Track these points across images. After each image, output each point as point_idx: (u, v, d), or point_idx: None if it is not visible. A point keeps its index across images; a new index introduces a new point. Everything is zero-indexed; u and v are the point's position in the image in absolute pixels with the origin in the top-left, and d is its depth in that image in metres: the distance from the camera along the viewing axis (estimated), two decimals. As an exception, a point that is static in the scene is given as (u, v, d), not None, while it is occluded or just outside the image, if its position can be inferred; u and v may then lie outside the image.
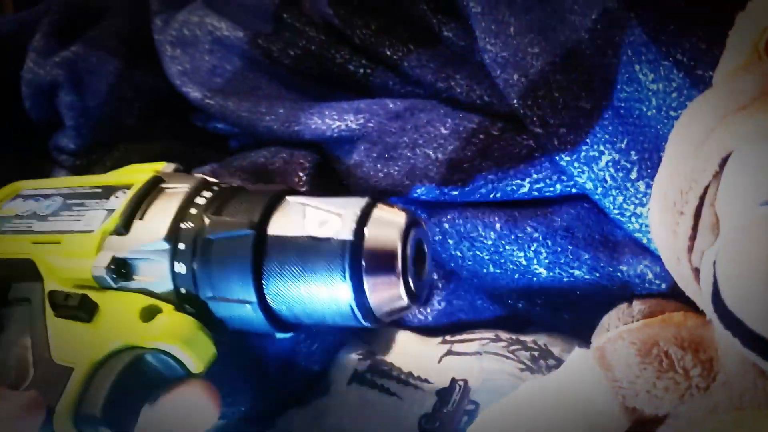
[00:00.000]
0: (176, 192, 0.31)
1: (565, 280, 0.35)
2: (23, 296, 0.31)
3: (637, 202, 0.33)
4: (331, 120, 0.42)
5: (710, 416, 0.25)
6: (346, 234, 0.26)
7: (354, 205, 0.27)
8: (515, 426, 0.27)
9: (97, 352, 0.28)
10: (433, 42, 0.43)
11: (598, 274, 0.34)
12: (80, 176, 0.36)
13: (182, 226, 0.30)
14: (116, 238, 0.30)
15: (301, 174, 0.41)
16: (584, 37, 0.35)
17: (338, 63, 0.44)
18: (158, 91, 0.49)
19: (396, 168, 0.40)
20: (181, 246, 0.29)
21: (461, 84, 0.40)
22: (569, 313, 0.36)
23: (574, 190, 0.36)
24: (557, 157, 0.35)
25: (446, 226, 0.38)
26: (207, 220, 0.29)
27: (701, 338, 0.26)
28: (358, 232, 0.26)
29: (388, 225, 0.26)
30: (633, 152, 0.33)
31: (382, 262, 0.26)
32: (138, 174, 0.33)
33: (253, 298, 0.28)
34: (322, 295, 0.27)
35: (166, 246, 0.29)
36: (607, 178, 0.33)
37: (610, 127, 0.34)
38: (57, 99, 0.48)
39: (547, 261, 0.35)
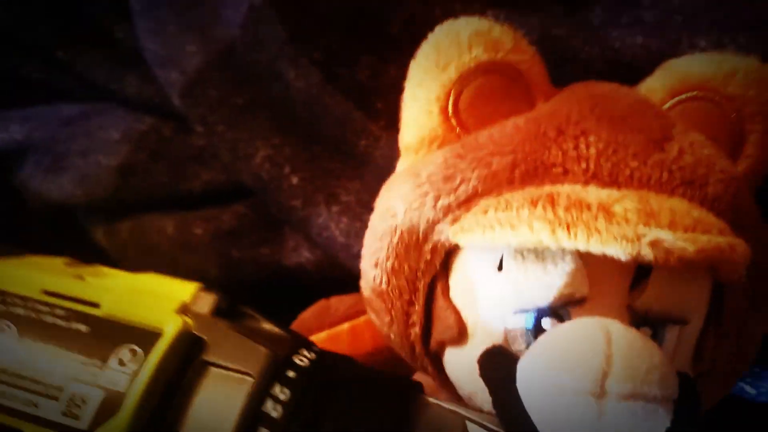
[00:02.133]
0: (233, 380, 0.20)
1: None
2: None
3: (291, 195, 0.33)
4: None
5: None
6: None
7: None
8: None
9: None
10: (106, 43, 0.39)
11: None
12: (52, 277, 0.23)
13: None
14: None
15: None
16: (237, 33, 0.34)
17: (10, 68, 0.40)
18: None
19: (67, 178, 0.38)
20: None
21: (133, 85, 0.38)
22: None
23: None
24: (221, 155, 0.35)
25: (125, 236, 0.37)
26: None
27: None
28: None
29: None
30: (287, 148, 0.33)
31: None
32: (159, 306, 0.22)
33: None
34: None
35: None
36: (263, 174, 0.33)
37: (265, 124, 0.33)
38: None
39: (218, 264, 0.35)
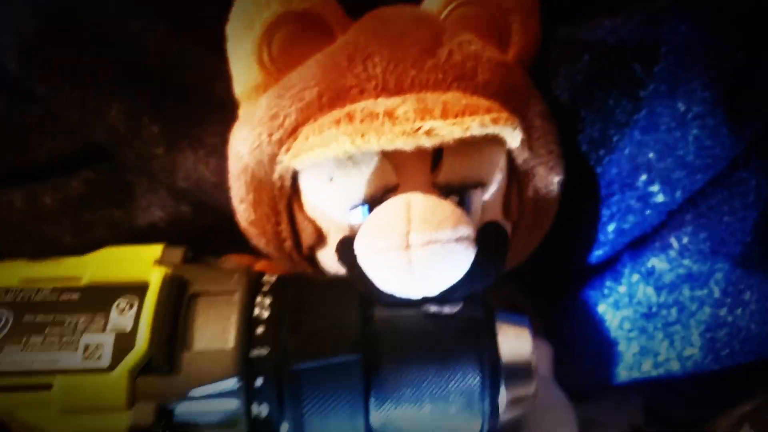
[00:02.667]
0: (222, 301, 0.24)
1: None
2: None
3: (153, 144, 0.33)
4: None
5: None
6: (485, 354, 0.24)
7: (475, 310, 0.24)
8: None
9: None
10: None
11: None
12: (20, 265, 0.26)
13: (254, 353, 0.23)
14: (156, 380, 0.22)
15: None
16: None
17: None
18: None
19: None
20: (258, 382, 0.22)
21: None
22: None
23: None
24: (69, 115, 0.34)
25: None
26: (290, 342, 0.23)
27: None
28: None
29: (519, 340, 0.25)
30: (142, 99, 0.33)
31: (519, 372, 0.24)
32: (133, 267, 0.24)
33: (362, 428, 0.23)
34: (452, 410, 0.24)
35: (237, 384, 0.22)
36: (120, 127, 0.33)
37: (116, 78, 0.34)
38: None
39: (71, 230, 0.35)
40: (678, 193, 0.28)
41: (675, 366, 0.29)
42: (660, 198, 0.28)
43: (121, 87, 0.34)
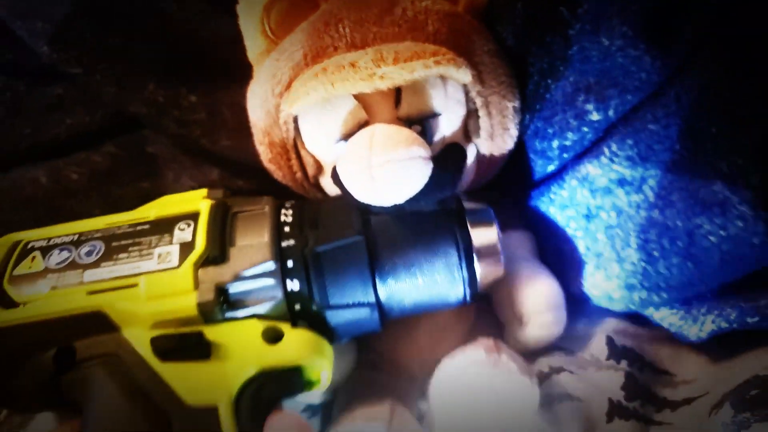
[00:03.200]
0: (256, 214, 0.31)
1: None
2: (99, 353, 0.28)
3: (193, 111, 0.39)
4: None
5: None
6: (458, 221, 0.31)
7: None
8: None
9: (233, 384, 0.27)
10: None
11: None
12: (99, 218, 0.32)
13: (284, 244, 0.30)
14: (213, 269, 0.28)
15: None
16: None
17: None
18: None
19: None
20: (290, 263, 0.29)
21: None
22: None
23: None
24: (104, 92, 0.38)
25: None
26: (314, 231, 0.30)
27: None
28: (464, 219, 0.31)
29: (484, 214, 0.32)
30: (178, 74, 0.39)
31: (488, 248, 0.32)
32: (187, 204, 0.31)
33: (373, 298, 0.30)
34: (436, 280, 0.31)
35: (274, 266, 0.29)
36: (159, 98, 0.38)
37: (150, 56, 0.38)
38: None
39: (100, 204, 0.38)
40: (611, 112, 0.33)
41: (615, 269, 0.35)
42: (595, 116, 0.34)
43: (156, 63, 0.38)
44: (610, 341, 0.38)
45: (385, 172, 0.31)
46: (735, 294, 0.34)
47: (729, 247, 0.32)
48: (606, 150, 0.34)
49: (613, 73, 0.33)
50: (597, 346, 0.38)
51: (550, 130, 0.35)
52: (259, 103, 0.36)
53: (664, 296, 0.34)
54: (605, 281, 0.35)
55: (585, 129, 0.34)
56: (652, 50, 0.32)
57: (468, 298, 0.32)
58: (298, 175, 0.37)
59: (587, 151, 0.35)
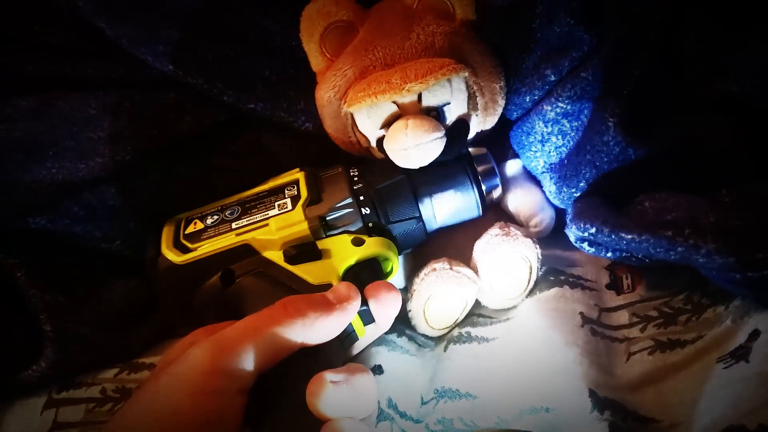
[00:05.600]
0: (334, 174, 0.48)
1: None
2: (250, 269, 0.41)
3: (296, 103, 0.52)
4: None
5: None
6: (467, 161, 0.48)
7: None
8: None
9: (339, 270, 0.42)
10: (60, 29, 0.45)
11: None
12: (233, 196, 0.48)
13: (355, 187, 0.46)
14: (314, 207, 0.44)
15: None
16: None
17: None
18: None
19: (68, 160, 0.44)
20: (361, 197, 0.45)
21: (96, 65, 0.45)
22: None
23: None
24: (222, 94, 0.48)
25: (186, 184, 0.51)
26: (372, 177, 0.47)
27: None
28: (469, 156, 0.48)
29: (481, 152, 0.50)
30: (284, 77, 0.52)
31: (488, 174, 0.49)
32: (289, 177, 0.48)
33: (417, 213, 0.46)
34: (457, 198, 0.48)
35: (351, 199, 0.45)
36: (269, 99, 0.51)
37: (259, 62, 0.51)
38: None
39: None
40: (562, 73, 0.48)
41: (553, 156, 0.51)
42: (552, 78, 0.48)
43: (261, 68, 0.49)
44: (592, 394, 0.41)
45: (416, 151, 0.47)
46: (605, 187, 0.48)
47: (603, 152, 0.47)
48: (554, 94, 0.48)
49: (563, 48, 0.48)
50: (580, 402, 0.40)
51: (523, 89, 0.50)
52: (324, 102, 0.52)
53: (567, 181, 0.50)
54: (549, 184, 0.52)
55: (545, 86, 0.49)
56: (588, 32, 0.46)
57: (481, 211, 0.50)
58: (356, 146, 0.54)
59: (543, 98, 0.50)
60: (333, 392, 0.32)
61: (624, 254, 0.45)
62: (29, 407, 0.46)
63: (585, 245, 0.47)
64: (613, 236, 0.41)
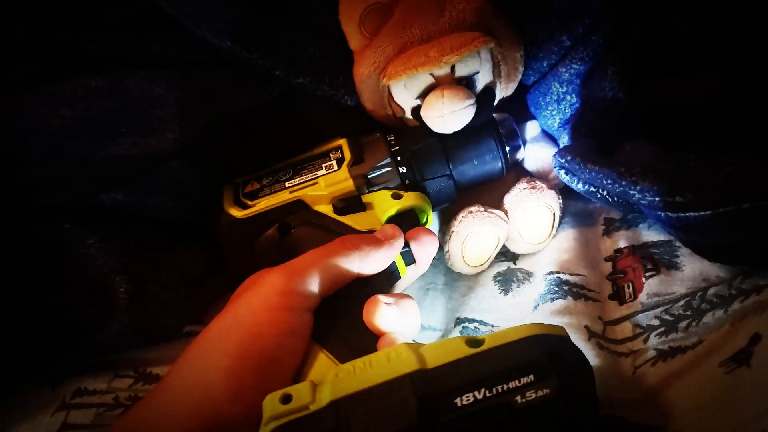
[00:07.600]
0: (373, 139, 0.54)
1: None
2: (304, 220, 0.47)
3: (338, 77, 0.56)
4: (51, 114, 0.43)
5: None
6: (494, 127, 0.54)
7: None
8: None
9: (381, 219, 0.48)
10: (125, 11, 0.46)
11: None
12: (286, 161, 0.54)
13: (393, 149, 0.52)
14: (358, 167, 0.50)
15: None
16: None
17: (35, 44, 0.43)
18: None
19: (140, 136, 0.46)
20: (398, 157, 0.51)
21: (157, 44, 0.47)
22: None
23: None
24: (275, 69, 0.51)
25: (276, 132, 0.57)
26: (407, 140, 0.52)
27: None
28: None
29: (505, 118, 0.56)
30: (330, 55, 0.55)
31: (511, 136, 0.55)
32: (334, 144, 0.54)
33: (449, 171, 0.52)
34: (485, 158, 0.54)
35: (389, 159, 0.51)
36: (316, 75, 0.54)
37: (308, 39, 0.55)
38: None
39: None
40: (578, 37, 0.54)
41: (567, 113, 0.57)
42: (567, 43, 0.55)
43: (308, 46, 0.52)
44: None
45: (451, 117, 0.53)
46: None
47: (600, 96, 0.53)
48: (569, 57, 0.55)
49: (577, 15, 0.54)
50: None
51: (540, 54, 0.56)
52: (364, 78, 0.57)
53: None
54: (564, 136, 0.59)
55: (561, 51, 0.55)
56: (598, 2, 0.52)
57: (505, 170, 0.56)
58: (391, 118, 0.59)
59: (558, 61, 0.56)
60: (386, 310, 0.38)
61: (590, 188, 0.49)
62: (40, 409, 0.47)
63: (562, 173, 0.51)
64: (580, 164, 0.47)
